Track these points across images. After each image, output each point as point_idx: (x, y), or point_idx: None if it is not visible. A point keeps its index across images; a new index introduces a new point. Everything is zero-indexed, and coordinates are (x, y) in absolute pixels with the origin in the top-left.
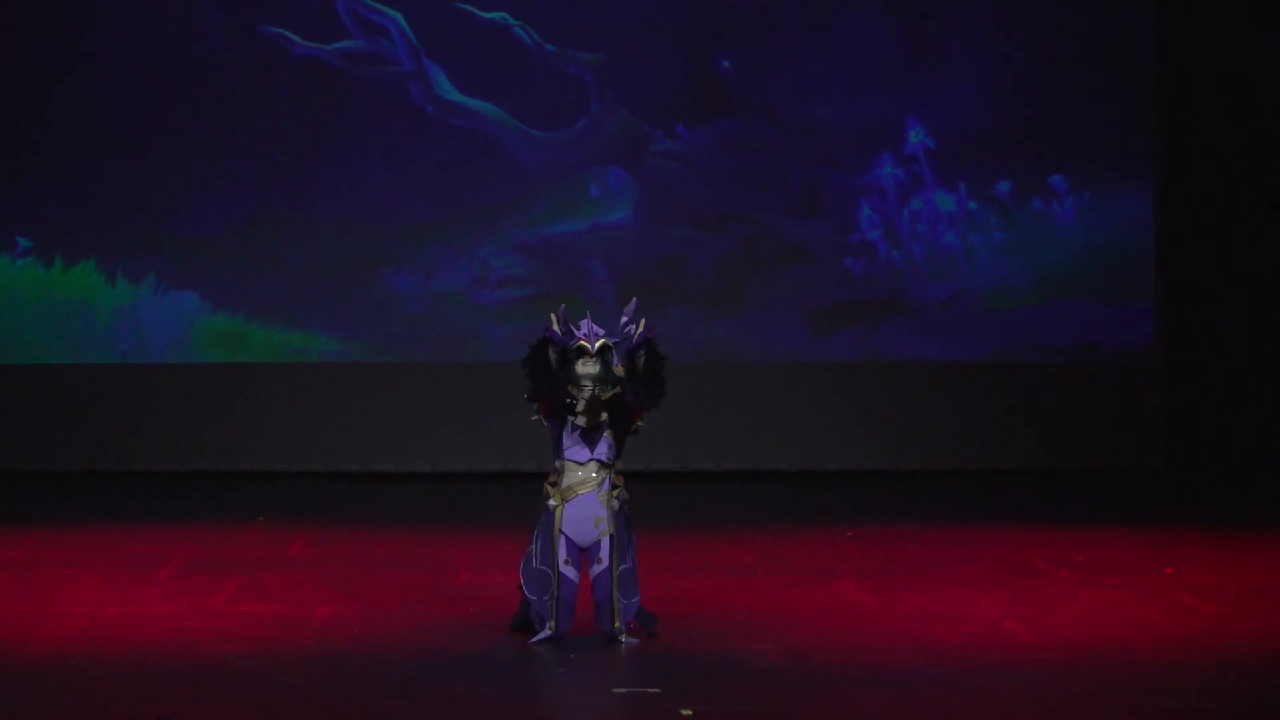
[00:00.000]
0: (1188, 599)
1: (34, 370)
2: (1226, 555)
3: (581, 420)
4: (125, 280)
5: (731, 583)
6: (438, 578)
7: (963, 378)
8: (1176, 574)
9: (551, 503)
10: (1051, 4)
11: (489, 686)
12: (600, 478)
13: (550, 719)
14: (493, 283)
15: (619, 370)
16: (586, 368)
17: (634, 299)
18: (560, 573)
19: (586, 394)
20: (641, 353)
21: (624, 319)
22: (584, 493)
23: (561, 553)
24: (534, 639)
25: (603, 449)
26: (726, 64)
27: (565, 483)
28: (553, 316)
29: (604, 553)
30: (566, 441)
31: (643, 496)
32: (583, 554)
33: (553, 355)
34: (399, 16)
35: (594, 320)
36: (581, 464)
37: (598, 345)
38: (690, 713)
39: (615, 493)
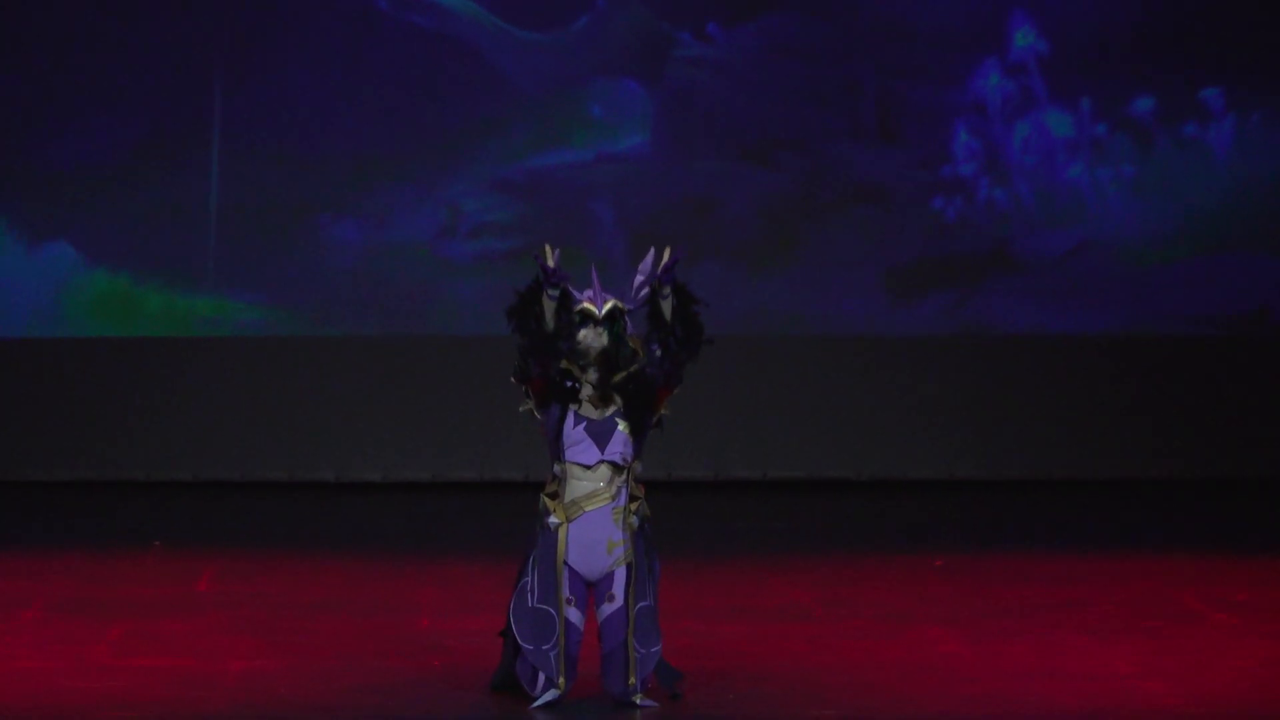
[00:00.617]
0: None
1: None
2: None
3: (587, 408)
4: None
5: (781, 629)
6: (392, 622)
7: (1088, 357)
8: None
9: (552, 520)
10: None
11: None
12: (614, 488)
13: None
14: (464, 232)
15: (635, 343)
16: (593, 339)
17: (653, 250)
18: (564, 615)
19: (593, 373)
20: (668, 290)
21: (639, 278)
22: (593, 508)
23: (565, 588)
24: (535, 703)
25: (617, 448)
26: None
27: (569, 495)
28: (546, 249)
29: (618, 587)
30: (568, 438)
31: (665, 513)
32: (589, 590)
33: (548, 307)
34: None
35: (600, 280)
36: (589, 468)
37: (606, 309)
38: None
39: (634, 507)
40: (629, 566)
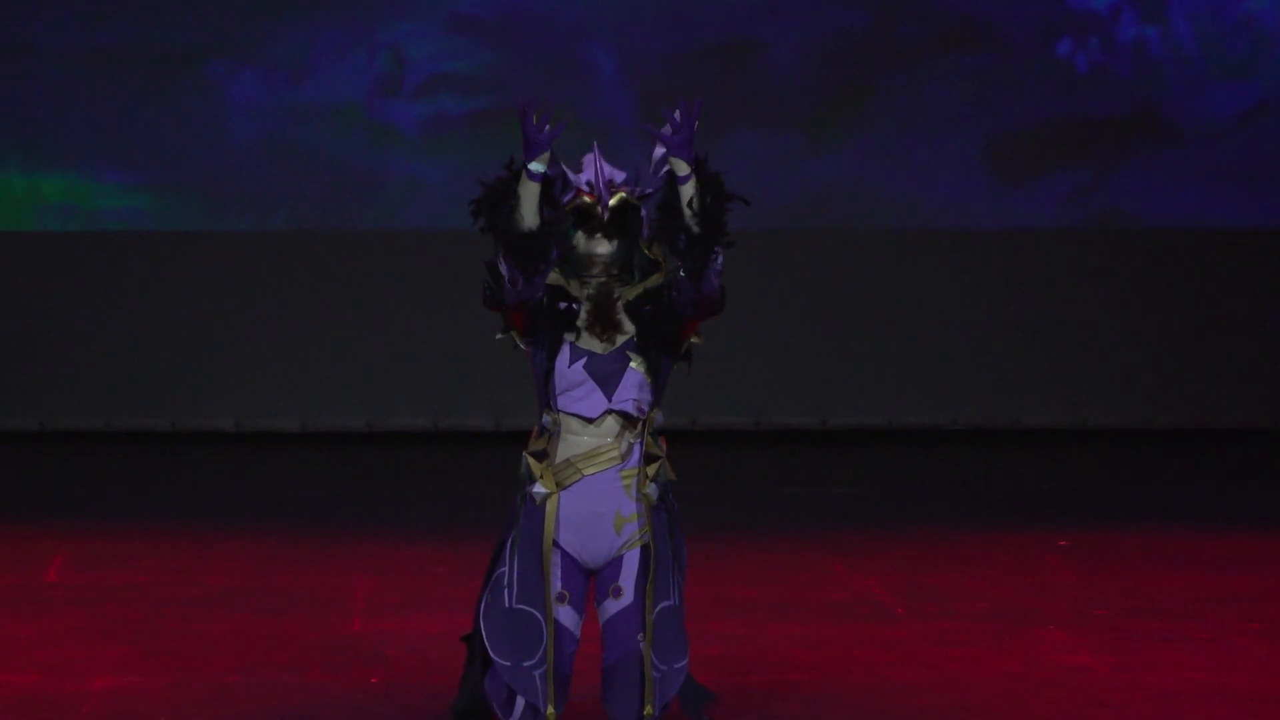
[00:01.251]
0: None
1: None
2: None
3: (588, 339)
4: None
5: (848, 633)
6: (314, 624)
7: (1268, 260)
8: None
9: (537, 489)
10: None
11: None
12: (624, 444)
13: None
14: (410, 88)
15: (655, 254)
16: (594, 244)
17: (682, 104)
18: (554, 618)
19: (594, 290)
20: (687, 169)
21: (657, 153)
22: (594, 472)
23: (556, 581)
24: None
25: (629, 393)
26: None
27: (561, 454)
28: (533, 108)
29: (627, 579)
30: (563, 379)
31: (690, 475)
32: (590, 581)
33: (528, 195)
34: None
35: (604, 158)
36: (591, 420)
37: (613, 202)
38: None
39: (652, 471)
40: (644, 550)
